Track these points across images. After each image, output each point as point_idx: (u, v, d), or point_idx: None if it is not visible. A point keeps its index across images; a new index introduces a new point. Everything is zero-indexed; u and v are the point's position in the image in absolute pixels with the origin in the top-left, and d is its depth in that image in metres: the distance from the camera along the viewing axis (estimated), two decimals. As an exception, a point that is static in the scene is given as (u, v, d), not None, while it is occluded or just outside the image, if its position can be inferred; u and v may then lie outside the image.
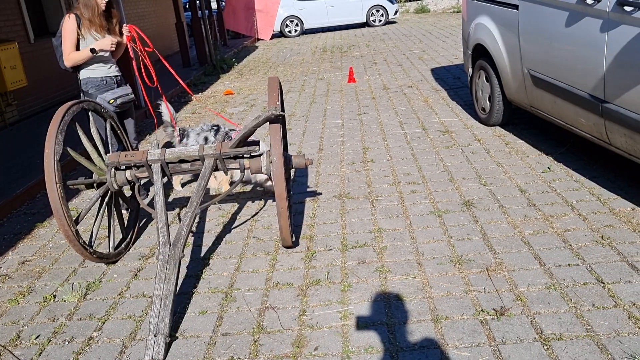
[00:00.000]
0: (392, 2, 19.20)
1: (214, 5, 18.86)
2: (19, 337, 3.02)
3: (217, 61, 12.44)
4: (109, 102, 4.25)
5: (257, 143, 3.64)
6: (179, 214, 4.50)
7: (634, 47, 3.41)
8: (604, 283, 2.96)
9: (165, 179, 3.64)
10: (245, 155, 3.64)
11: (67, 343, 2.93)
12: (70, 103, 3.51)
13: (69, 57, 4.17)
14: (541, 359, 2.45)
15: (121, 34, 4.40)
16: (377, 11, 18.73)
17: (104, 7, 4.20)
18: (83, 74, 4.28)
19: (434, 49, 11.82)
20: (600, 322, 2.66)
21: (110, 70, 4.37)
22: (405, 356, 2.56)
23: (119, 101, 4.30)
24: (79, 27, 4.14)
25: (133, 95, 4.43)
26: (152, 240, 4.09)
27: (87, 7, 4.13)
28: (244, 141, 3.57)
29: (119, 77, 4.44)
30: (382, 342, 2.68)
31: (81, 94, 4.34)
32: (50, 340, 2.96)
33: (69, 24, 4.12)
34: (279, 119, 3.44)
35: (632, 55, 3.43)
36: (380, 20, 18.78)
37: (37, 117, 8.45)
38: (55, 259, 3.93)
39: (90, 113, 3.79)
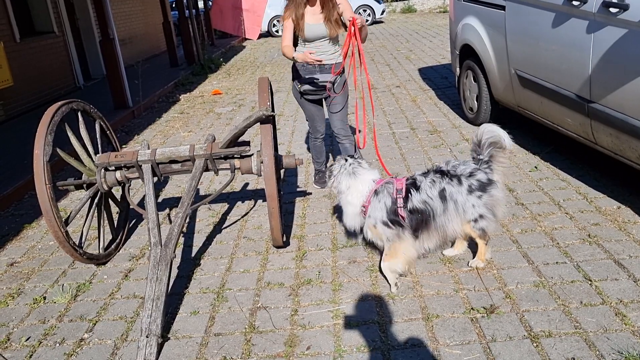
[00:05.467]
0: (379, 2, 19.30)
1: (200, 4, 18.75)
2: (9, 339, 3.00)
3: (205, 61, 12.41)
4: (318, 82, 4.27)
5: (247, 143, 3.64)
6: (169, 215, 4.49)
7: (619, 48, 3.47)
8: (591, 281, 3.00)
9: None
10: (235, 156, 3.64)
11: (58, 345, 2.92)
12: (59, 103, 3.49)
13: (282, 48, 4.15)
14: (531, 356, 2.49)
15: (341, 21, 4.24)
16: (364, 11, 18.80)
17: None
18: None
19: (421, 49, 11.88)
20: (588, 319, 2.70)
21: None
22: (396, 355, 2.59)
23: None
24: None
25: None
26: (142, 241, 4.08)
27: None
28: (234, 141, 3.58)
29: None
30: (374, 340, 2.70)
31: (294, 74, 4.36)
32: (40, 342, 2.95)
33: (286, 13, 4.11)
34: (269, 120, 3.45)
35: (618, 56, 3.49)
36: (367, 20, 18.81)
37: (24, 117, 8.37)
38: (44, 261, 3.91)
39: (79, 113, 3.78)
